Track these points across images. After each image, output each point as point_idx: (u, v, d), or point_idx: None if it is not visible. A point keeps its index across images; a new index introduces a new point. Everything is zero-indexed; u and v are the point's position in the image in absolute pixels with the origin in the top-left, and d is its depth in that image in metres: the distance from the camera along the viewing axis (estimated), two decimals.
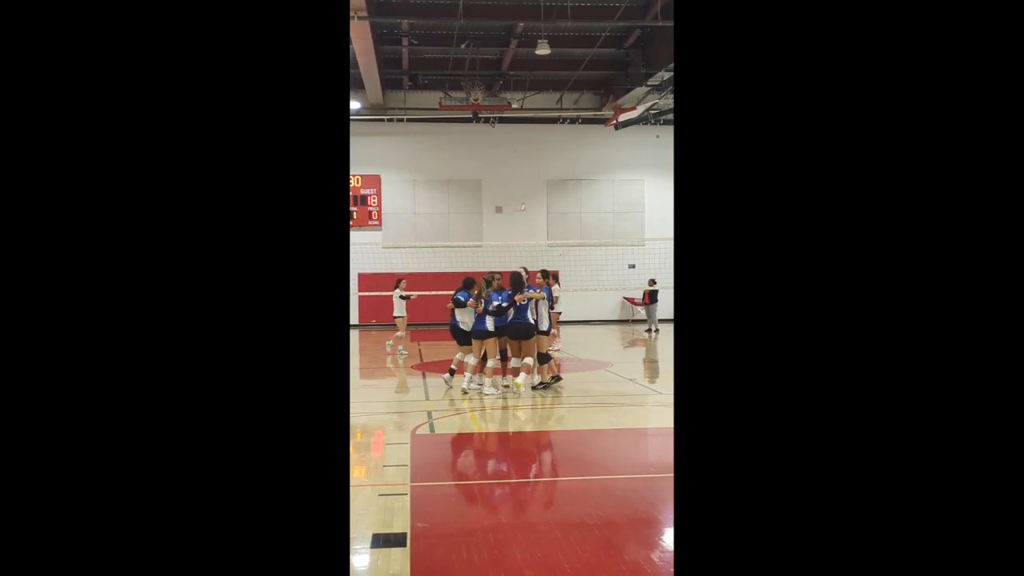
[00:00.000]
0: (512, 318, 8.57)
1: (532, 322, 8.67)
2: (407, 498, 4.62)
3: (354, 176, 20.92)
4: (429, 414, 7.77)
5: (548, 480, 5.50)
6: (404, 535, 3.94)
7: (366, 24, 12.97)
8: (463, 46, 16.50)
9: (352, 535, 3.88)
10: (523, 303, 8.63)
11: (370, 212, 21.03)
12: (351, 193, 20.91)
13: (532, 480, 5.46)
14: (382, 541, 3.85)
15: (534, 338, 8.67)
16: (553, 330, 10.25)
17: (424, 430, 6.97)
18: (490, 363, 8.60)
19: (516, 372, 8.63)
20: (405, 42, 16.48)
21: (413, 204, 21.34)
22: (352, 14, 12.35)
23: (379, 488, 4.92)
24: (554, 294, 10.88)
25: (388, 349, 14.11)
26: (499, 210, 21.51)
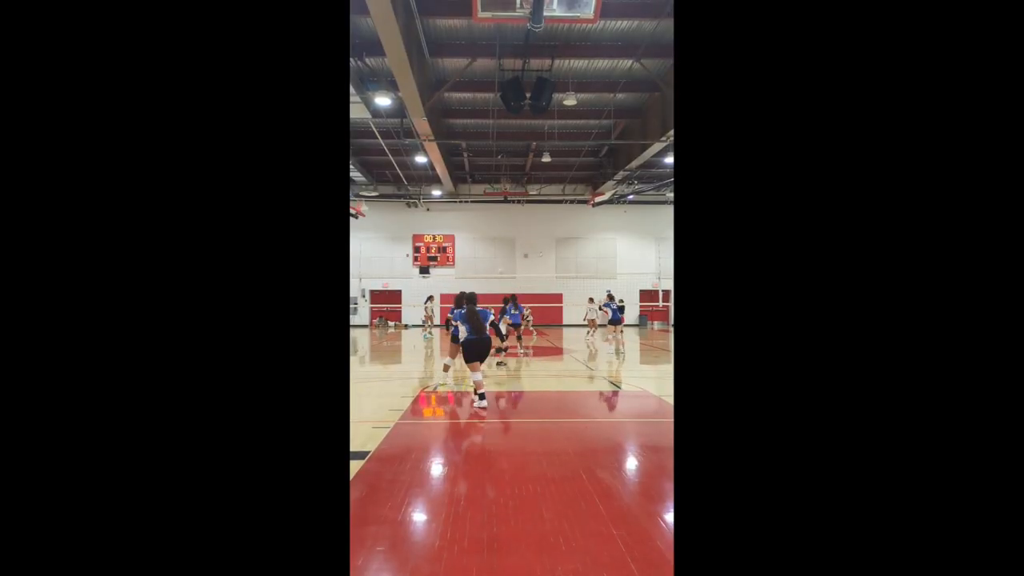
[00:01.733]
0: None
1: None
2: (387, 429, 4.56)
3: (438, 235, 21.34)
4: (444, 375, 7.68)
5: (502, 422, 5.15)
6: (367, 452, 3.87)
7: (434, 145, 13.19)
8: (499, 156, 16.61)
9: None
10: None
11: (448, 257, 21.37)
12: (436, 244, 21.26)
13: (493, 422, 5.16)
14: (352, 456, 3.79)
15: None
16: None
17: (430, 390, 6.88)
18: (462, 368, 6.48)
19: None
20: (465, 155, 16.69)
21: (474, 252, 21.56)
22: (425, 137, 12.59)
23: (375, 423, 4.87)
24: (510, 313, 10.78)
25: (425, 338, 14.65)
26: (526, 256, 21.53)
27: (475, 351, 5.82)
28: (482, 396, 5.72)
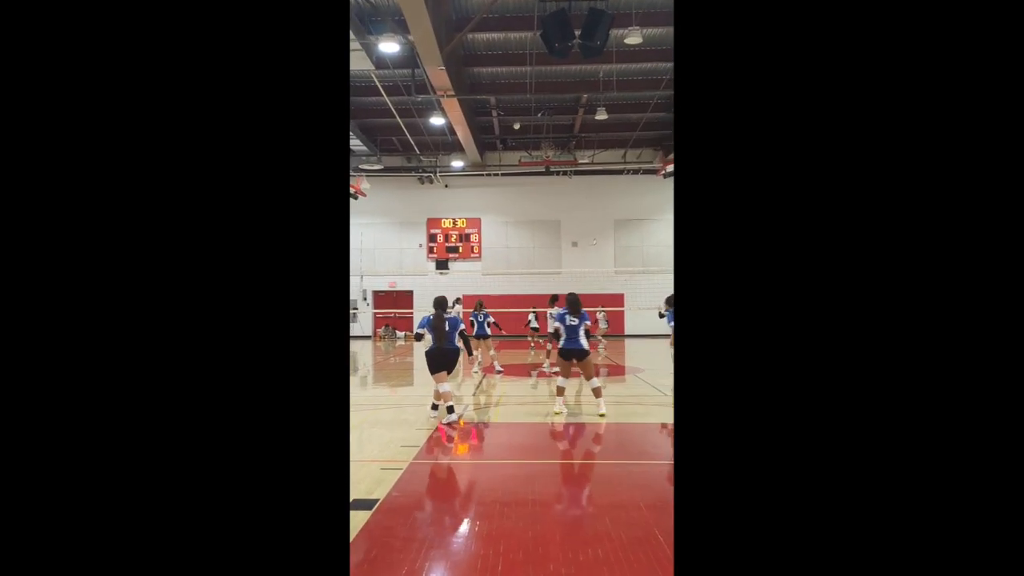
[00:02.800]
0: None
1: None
2: (399, 471, 4.61)
3: (459, 219, 21.45)
4: (467, 406, 7.74)
5: (547, 463, 5.25)
6: (375, 501, 3.92)
7: (455, 101, 13.28)
8: (539, 115, 16.60)
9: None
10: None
11: (472, 247, 21.44)
12: (457, 232, 21.43)
13: (527, 462, 5.23)
14: (356, 505, 3.85)
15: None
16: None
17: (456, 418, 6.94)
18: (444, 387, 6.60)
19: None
20: (494, 114, 16.76)
21: (506, 240, 21.59)
22: (442, 93, 12.71)
23: (383, 462, 4.94)
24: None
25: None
26: (575, 244, 21.43)
27: (436, 362, 6.58)
28: (450, 409, 6.44)
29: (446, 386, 6.61)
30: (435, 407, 6.75)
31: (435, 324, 6.58)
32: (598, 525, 3.56)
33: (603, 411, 6.69)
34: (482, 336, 10.94)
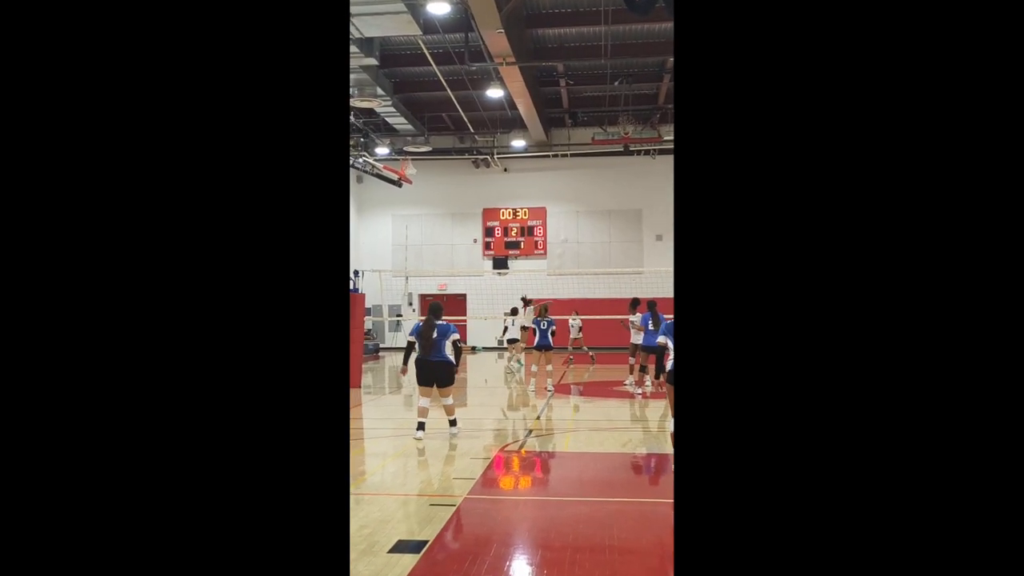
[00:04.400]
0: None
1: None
2: (452, 508, 4.65)
3: (521, 209, 21.51)
4: (529, 431, 7.74)
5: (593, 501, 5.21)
6: (424, 543, 3.97)
7: (515, 69, 13.34)
8: (616, 83, 16.48)
9: (379, 539, 3.98)
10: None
11: (536, 242, 21.45)
12: (519, 224, 21.51)
13: (604, 500, 5.20)
14: (400, 547, 3.90)
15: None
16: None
17: (514, 447, 6.95)
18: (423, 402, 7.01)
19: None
20: (562, 83, 16.75)
21: (577, 233, 21.51)
22: (500, 60, 12.79)
23: (433, 496, 4.99)
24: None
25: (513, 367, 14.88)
26: (659, 238, 21.14)
27: (421, 375, 6.98)
28: (420, 426, 6.87)
29: (424, 401, 6.93)
30: (420, 426, 6.92)
31: (423, 332, 6.88)
32: None
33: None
34: (544, 347, 10.90)
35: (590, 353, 15.75)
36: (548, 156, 20.73)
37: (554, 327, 11.03)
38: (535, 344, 10.94)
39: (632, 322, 11.30)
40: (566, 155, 20.58)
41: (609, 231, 21.42)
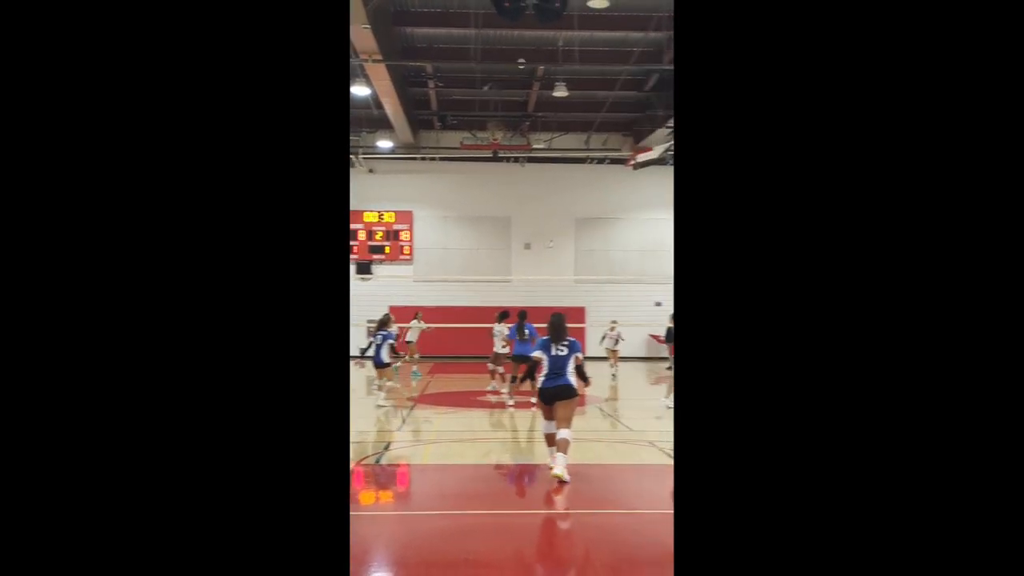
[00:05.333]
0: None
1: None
2: None
3: (387, 212, 21.31)
4: (387, 445, 7.68)
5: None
6: None
7: (382, 67, 13.23)
8: (486, 88, 16.69)
9: None
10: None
11: (402, 247, 21.30)
12: (384, 227, 21.30)
13: (462, 513, 5.22)
14: None
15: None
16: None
17: (371, 460, 6.88)
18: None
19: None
20: (431, 84, 16.76)
21: (444, 239, 21.53)
22: (366, 56, 12.65)
23: None
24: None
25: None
26: (527, 246, 21.54)
27: None
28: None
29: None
30: None
31: None
32: None
33: (560, 472, 5.62)
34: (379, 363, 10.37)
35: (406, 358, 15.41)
36: (416, 159, 20.66)
37: (392, 340, 10.59)
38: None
39: (498, 332, 11.43)
40: (434, 159, 20.59)
41: (477, 238, 21.59)
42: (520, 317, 10.44)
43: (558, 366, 5.85)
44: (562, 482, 5.57)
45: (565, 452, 5.70)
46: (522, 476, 6.36)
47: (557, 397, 5.83)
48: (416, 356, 14.97)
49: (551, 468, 5.67)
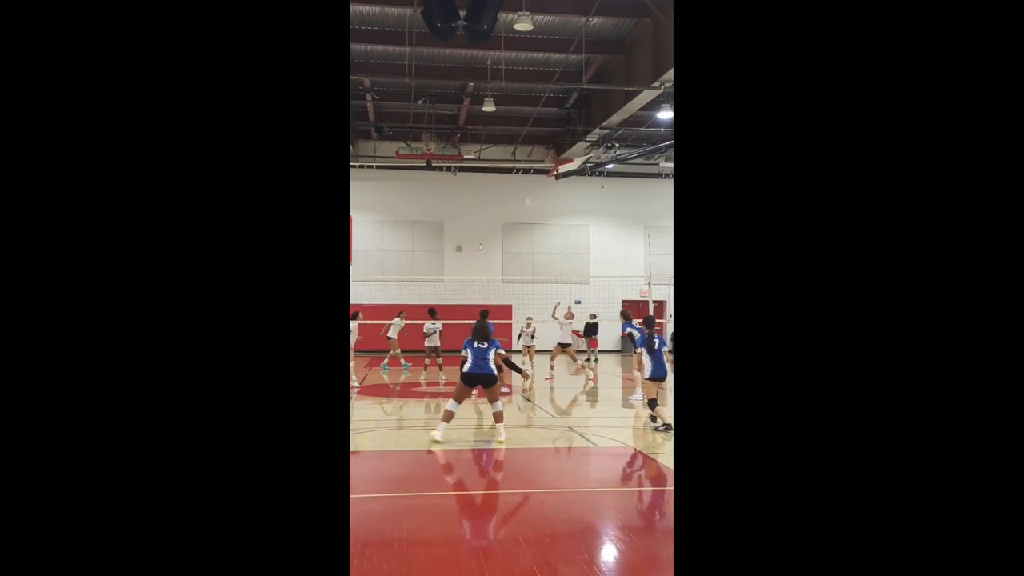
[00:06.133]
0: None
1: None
2: None
3: None
4: None
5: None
6: None
7: None
8: (420, 102, 16.57)
9: None
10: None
11: None
12: None
13: (396, 495, 5.18)
14: None
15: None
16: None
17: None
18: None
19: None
20: (368, 97, 16.53)
21: (381, 242, 21.28)
22: None
23: None
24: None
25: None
26: (459, 249, 21.51)
27: None
28: None
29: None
30: None
31: None
32: (472, 563, 3.59)
33: (503, 438, 6.77)
34: None
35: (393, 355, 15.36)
36: (354, 166, 20.32)
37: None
38: None
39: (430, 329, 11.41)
40: (372, 167, 20.33)
41: (413, 241, 21.44)
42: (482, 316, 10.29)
43: (480, 358, 6.89)
44: (500, 442, 6.70)
45: (501, 421, 6.90)
46: (453, 460, 6.35)
47: (479, 382, 6.92)
48: (398, 351, 14.59)
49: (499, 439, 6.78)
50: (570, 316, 14.72)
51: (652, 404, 7.51)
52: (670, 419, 7.18)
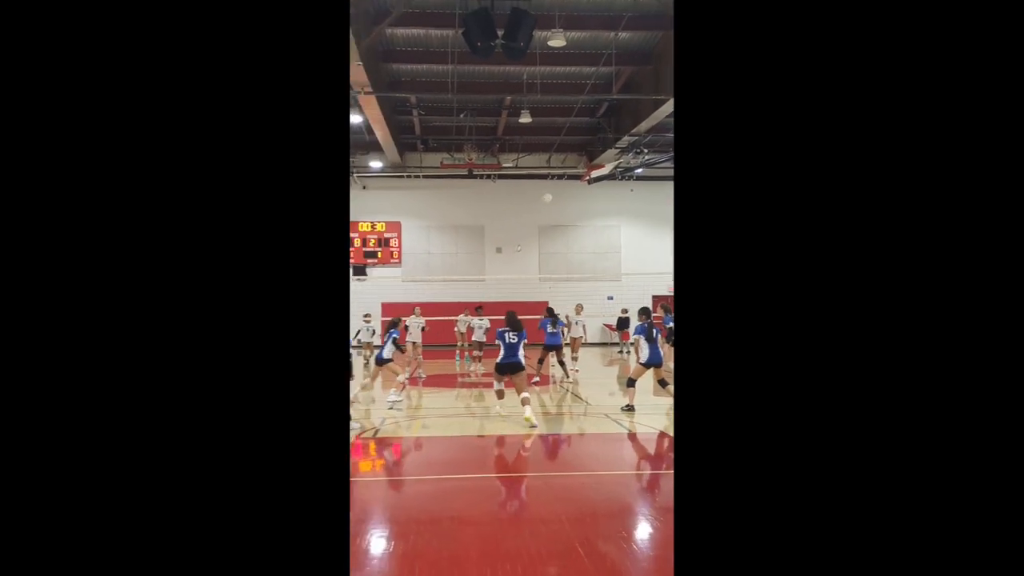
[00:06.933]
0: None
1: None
2: None
3: (378, 222, 21.15)
4: (383, 420, 7.61)
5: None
6: None
7: (373, 98, 13.09)
8: (462, 116, 16.62)
9: None
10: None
11: (392, 252, 21.16)
12: (376, 236, 21.13)
13: (445, 477, 5.20)
14: None
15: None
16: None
17: (369, 434, 6.80)
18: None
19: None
20: (415, 113, 16.65)
21: (427, 245, 21.43)
22: (359, 89, 12.50)
23: None
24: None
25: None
26: (499, 251, 21.53)
27: None
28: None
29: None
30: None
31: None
32: (517, 541, 3.57)
33: (529, 414, 6.87)
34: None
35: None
36: (402, 176, 20.53)
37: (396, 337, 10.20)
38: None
39: (473, 324, 11.38)
40: (418, 176, 20.49)
41: (455, 244, 21.55)
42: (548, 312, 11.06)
43: (510, 350, 7.15)
44: (533, 425, 6.74)
45: (528, 405, 6.94)
46: (496, 445, 6.34)
47: (509, 370, 7.19)
48: (419, 357, 13.16)
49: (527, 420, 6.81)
50: (579, 310, 13.99)
51: (631, 383, 7.93)
52: (634, 402, 7.79)
